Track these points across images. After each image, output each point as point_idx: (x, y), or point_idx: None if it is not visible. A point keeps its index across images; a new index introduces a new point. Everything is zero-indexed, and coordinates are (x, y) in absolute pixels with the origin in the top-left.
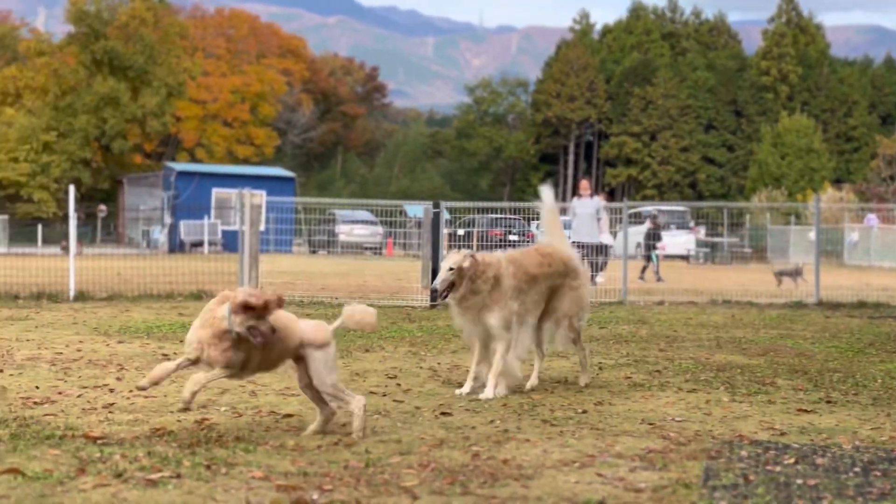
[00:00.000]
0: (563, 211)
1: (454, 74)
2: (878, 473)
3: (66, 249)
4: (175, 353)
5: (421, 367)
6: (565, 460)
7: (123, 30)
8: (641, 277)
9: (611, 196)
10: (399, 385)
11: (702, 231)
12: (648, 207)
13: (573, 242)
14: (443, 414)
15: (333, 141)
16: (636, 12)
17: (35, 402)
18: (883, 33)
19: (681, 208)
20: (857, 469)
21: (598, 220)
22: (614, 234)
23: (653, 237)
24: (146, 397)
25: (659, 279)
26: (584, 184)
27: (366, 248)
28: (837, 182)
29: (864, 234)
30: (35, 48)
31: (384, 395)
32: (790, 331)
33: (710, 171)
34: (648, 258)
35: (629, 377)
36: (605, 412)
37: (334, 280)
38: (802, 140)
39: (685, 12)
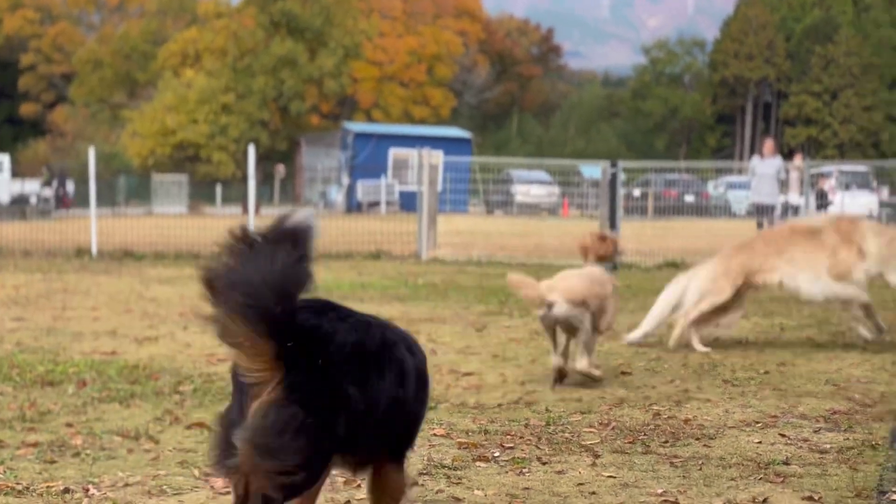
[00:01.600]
0: (740, 171)
1: (630, 35)
2: None
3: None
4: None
5: None
6: (747, 420)
7: None
8: None
9: (790, 157)
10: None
11: (885, 191)
12: (829, 167)
13: (752, 203)
14: (623, 373)
15: (509, 102)
16: None
17: (219, 359)
18: None
19: (862, 168)
20: None
21: (779, 180)
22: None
23: (820, 197)
24: None
25: None
26: (769, 143)
27: (542, 208)
28: None
29: None
30: (213, 10)
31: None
32: None
33: (894, 130)
34: None
35: (812, 338)
36: (788, 373)
37: (511, 240)
38: None
39: None
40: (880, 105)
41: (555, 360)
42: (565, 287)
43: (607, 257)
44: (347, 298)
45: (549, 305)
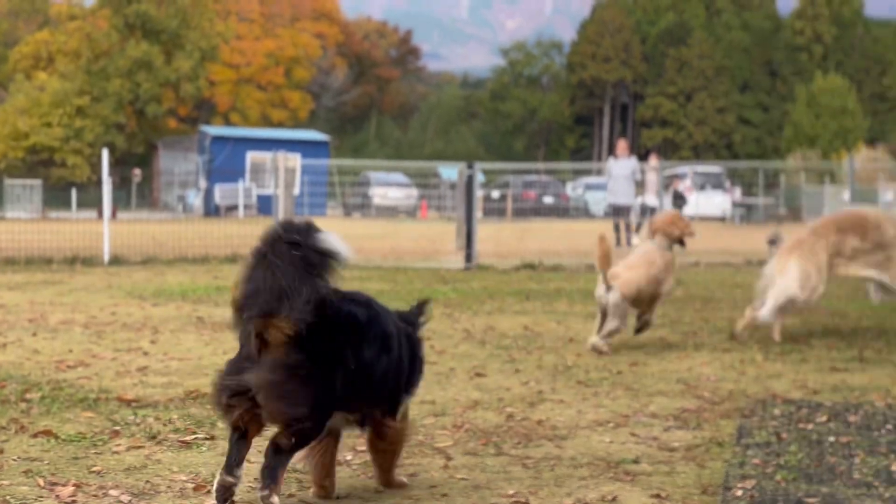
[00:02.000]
0: (598, 172)
1: (489, 36)
2: None
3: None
4: (210, 316)
5: (455, 329)
6: (599, 420)
7: None
8: None
9: (646, 158)
10: (433, 346)
11: (737, 192)
12: (684, 169)
13: (609, 204)
14: (477, 375)
15: (367, 104)
16: None
17: (69, 366)
18: None
19: (716, 169)
20: (889, 426)
21: (635, 181)
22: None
23: (676, 198)
24: (181, 360)
25: None
26: (623, 144)
27: (400, 211)
28: (872, 142)
29: None
30: (67, 12)
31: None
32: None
33: (746, 131)
34: None
35: (664, 338)
36: (640, 373)
37: (369, 243)
38: (837, 100)
39: None
40: (733, 107)
41: (591, 340)
42: (626, 280)
43: (675, 238)
44: (202, 302)
45: (608, 288)
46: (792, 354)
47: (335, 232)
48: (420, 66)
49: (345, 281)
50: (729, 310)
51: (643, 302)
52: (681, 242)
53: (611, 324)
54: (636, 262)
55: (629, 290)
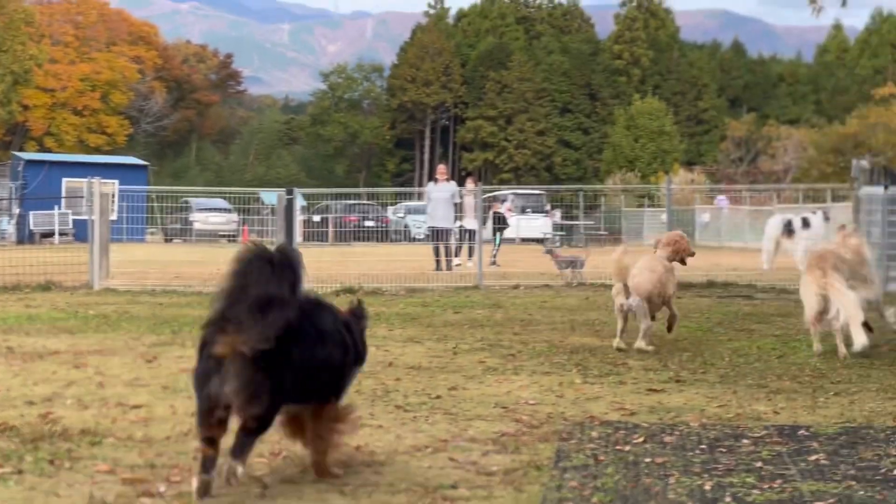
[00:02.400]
0: (419, 196)
1: (310, 61)
2: (724, 450)
3: None
4: (21, 346)
5: None
6: (418, 446)
7: None
8: (493, 262)
9: (463, 180)
10: None
11: (558, 214)
12: (505, 191)
13: (429, 227)
14: None
15: (187, 129)
16: None
17: None
18: (731, 17)
19: (537, 192)
20: (703, 446)
21: (455, 204)
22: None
23: (498, 221)
24: None
25: (493, 262)
26: (441, 168)
27: (221, 236)
28: (689, 164)
29: (715, 215)
30: None
31: None
32: None
33: (566, 154)
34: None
35: (483, 361)
36: (459, 397)
37: (188, 269)
38: (654, 123)
39: None
40: (553, 129)
41: (616, 342)
42: (636, 284)
43: (677, 255)
44: (13, 331)
45: (628, 296)
46: (610, 377)
47: (154, 258)
48: (240, 90)
49: (163, 307)
50: (548, 332)
51: (653, 302)
52: (682, 261)
53: (644, 324)
54: (640, 270)
55: (642, 292)
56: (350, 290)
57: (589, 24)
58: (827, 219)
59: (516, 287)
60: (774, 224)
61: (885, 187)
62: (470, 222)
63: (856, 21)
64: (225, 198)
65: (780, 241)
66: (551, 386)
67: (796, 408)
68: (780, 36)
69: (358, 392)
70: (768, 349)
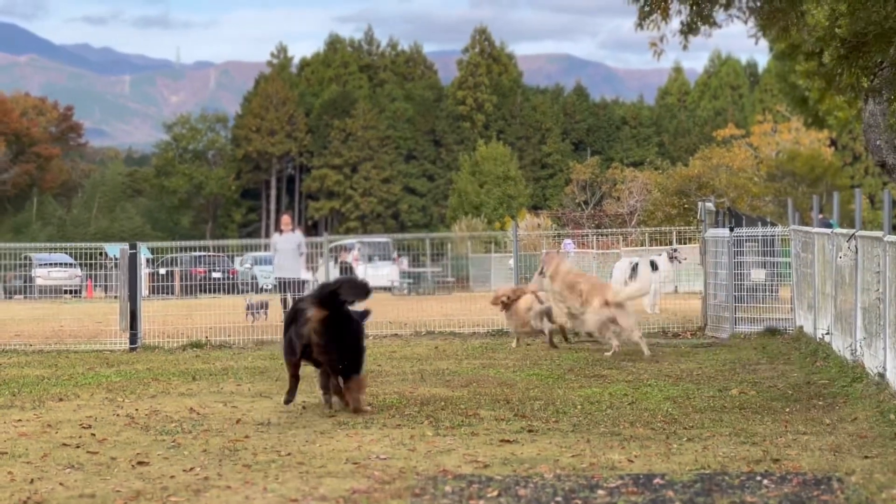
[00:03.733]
0: (266, 247)
1: (152, 112)
2: (579, 501)
3: None
4: None
5: (118, 415)
6: None
7: None
8: None
9: (314, 230)
10: (94, 435)
11: (405, 262)
12: (351, 240)
13: (276, 279)
14: (140, 464)
15: (28, 183)
16: (333, 45)
17: None
18: (573, 62)
19: (384, 239)
20: (558, 499)
21: (301, 255)
22: (314, 269)
23: (344, 271)
24: None
25: None
26: (286, 219)
27: (65, 291)
28: (535, 208)
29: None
30: None
31: (77, 447)
32: (492, 360)
33: (412, 201)
34: None
35: (333, 416)
36: (309, 453)
37: (29, 326)
38: (500, 168)
39: (382, 44)
40: (398, 176)
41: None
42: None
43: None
44: None
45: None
46: (462, 428)
47: None
48: (82, 142)
49: (2, 368)
50: (398, 383)
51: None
52: None
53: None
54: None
55: None
56: (198, 345)
57: (432, 71)
58: (673, 259)
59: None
60: (622, 267)
61: (731, 229)
62: (303, 273)
63: (696, 64)
64: (68, 252)
65: (628, 284)
66: (402, 439)
67: (650, 455)
68: (621, 79)
69: (205, 451)
70: (620, 395)
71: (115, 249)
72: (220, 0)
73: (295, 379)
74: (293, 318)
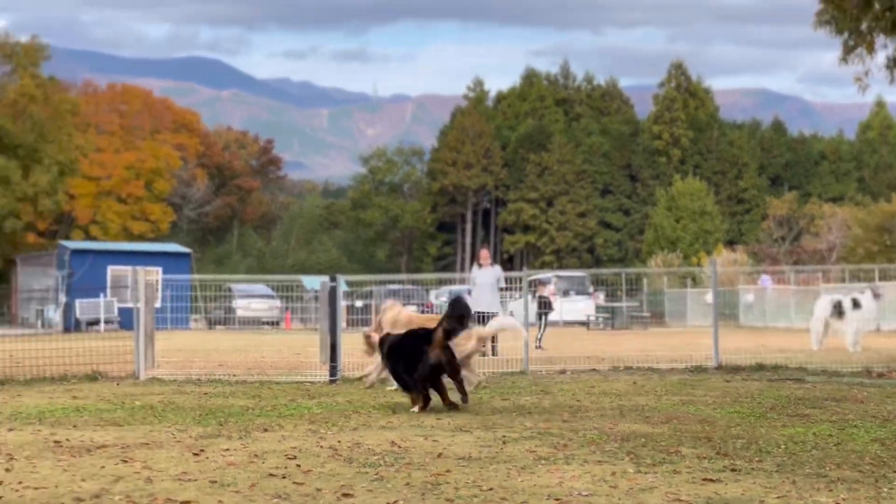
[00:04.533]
0: (462, 281)
1: (349, 145)
2: None
3: None
4: (68, 439)
5: (321, 447)
6: None
7: (12, 107)
8: (538, 346)
9: (509, 263)
10: (299, 466)
11: (601, 296)
12: (547, 274)
13: (474, 312)
14: (345, 496)
15: (229, 215)
16: (529, 79)
17: None
18: (769, 96)
19: (580, 274)
20: None
21: (500, 289)
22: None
23: (543, 305)
24: (36, 488)
25: (538, 346)
26: (484, 253)
27: (264, 323)
28: (730, 244)
29: (759, 295)
30: None
31: (284, 478)
32: (692, 397)
33: (608, 235)
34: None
35: (534, 451)
36: (511, 488)
37: (232, 356)
38: (696, 203)
39: (578, 78)
40: (594, 211)
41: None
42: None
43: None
44: (60, 424)
45: None
46: (663, 465)
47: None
48: (281, 175)
49: (208, 397)
50: (597, 419)
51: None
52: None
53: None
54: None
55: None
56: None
57: (628, 105)
58: (877, 296)
59: (563, 372)
60: (823, 305)
61: None
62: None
63: None
64: (267, 284)
65: (830, 322)
66: (604, 476)
67: (859, 499)
68: (819, 113)
69: (408, 485)
70: (825, 435)
71: (312, 281)
72: (416, 34)
73: (429, 396)
74: (402, 349)
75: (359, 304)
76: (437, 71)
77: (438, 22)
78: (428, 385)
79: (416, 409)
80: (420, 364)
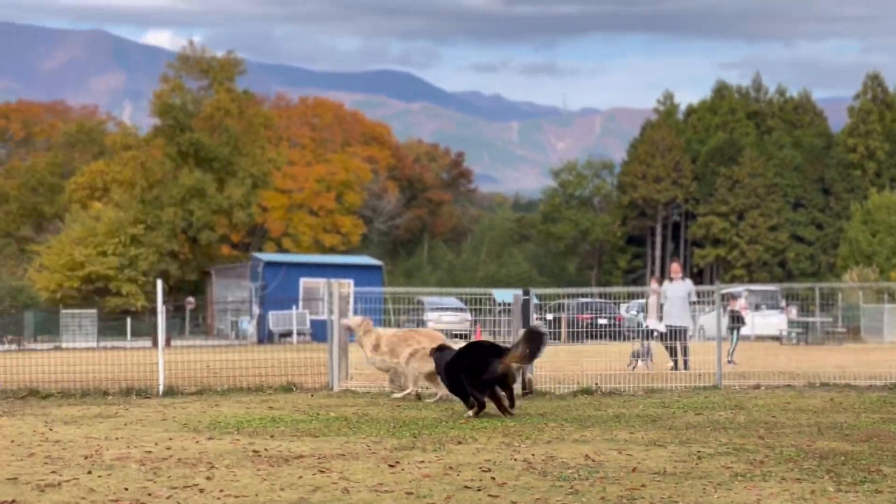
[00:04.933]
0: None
1: (539, 158)
2: None
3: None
4: (266, 449)
5: (515, 459)
6: None
7: (208, 121)
8: (730, 360)
9: (699, 277)
10: (493, 479)
11: (794, 311)
12: (739, 288)
13: (665, 326)
14: None
15: (419, 227)
16: (720, 92)
17: None
18: None
19: (772, 288)
20: None
21: (691, 303)
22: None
23: (734, 319)
24: (237, 497)
25: (730, 361)
26: (675, 267)
27: (455, 335)
28: None
29: None
30: (121, 142)
31: (479, 490)
32: (892, 414)
33: (800, 249)
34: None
35: (729, 467)
36: None
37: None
38: (893, 217)
39: (769, 91)
40: (785, 224)
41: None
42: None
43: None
44: (258, 434)
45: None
46: (864, 484)
47: None
48: (471, 188)
49: (402, 409)
50: (794, 436)
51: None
52: None
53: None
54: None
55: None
56: (588, 391)
57: (821, 118)
58: None
59: (757, 387)
60: None
61: None
62: (653, 323)
63: None
64: (457, 297)
65: None
66: (803, 494)
67: None
68: None
69: (603, 499)
70: None
71: (502, 295)
72: (605, 47)
73: (484, 403)
74: (464, 360)
75: (549, 317)
76: (627, 84)
77: (627, 35)
78: (489, 392)
79: (471, 413)
80: (485, 372)
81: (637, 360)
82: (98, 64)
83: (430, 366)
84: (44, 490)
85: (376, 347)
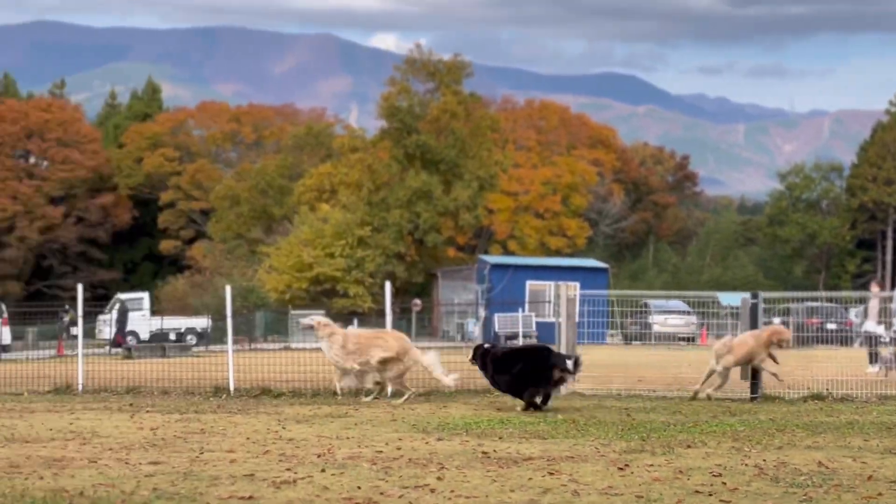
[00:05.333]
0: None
1: (765, 161)
2: None
3: None
4: (495, 451)
5: (746, 464)
6: None
7: (435, 124)
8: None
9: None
10: (724, 484)
11: None
12: None
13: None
14: None
15: (645, 230)
16: None
17: (357, 503)
18: None
19: None
20: None
21: None
22: (888, 324)
23: None
24: (468, 497)
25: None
26: None
27: (680, 339)
28: None
29: None
30: (349, 144)
31: (710, 495)
32: None
33: None
34: None
35: None
36: None
37: (649, 372)
38: None
39: None
40: None
41: None
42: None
43: None
44: (486, 436)
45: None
46: None
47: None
48: (697, 191)
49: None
50: None
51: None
52: None
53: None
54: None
55: None
56: (819, 397)
57: None
58: None
59: None
60: None
61: None
62: (871, 325)
63: None
64: (683, 300)
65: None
66: None
67: None
68: None
69: None
70: None
71: (728, 298)
72: (835, 48)
73: (535, 402)
74: (515, 361)
75: (776, 321)
76: (856, 85)
77: (858, 35)
78: (542, 394)
79: (519, 409)
80: (542, 376)
81: (891, 366)
82: (325, 67)
83: (397, 366)
84: (279, 487)
85: (343, 347)
